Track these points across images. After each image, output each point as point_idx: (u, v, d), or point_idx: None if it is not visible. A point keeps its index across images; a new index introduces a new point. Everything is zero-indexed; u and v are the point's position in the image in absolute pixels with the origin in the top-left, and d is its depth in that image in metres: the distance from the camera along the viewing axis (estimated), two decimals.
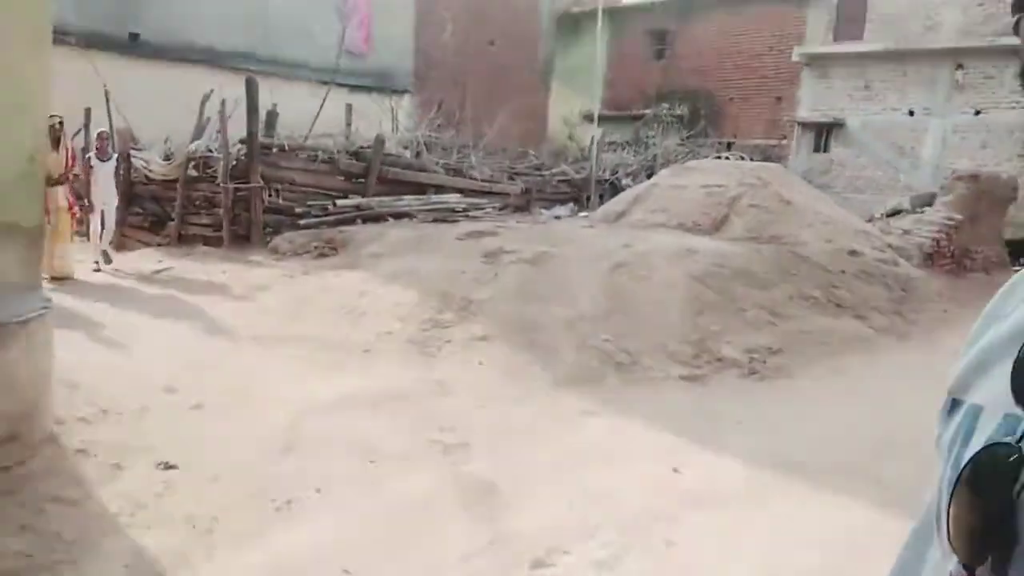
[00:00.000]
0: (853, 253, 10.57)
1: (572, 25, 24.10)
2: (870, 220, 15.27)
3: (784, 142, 21.23)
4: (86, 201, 9.47)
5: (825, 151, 20.62)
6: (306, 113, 12.27)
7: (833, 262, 9.94)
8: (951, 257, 12.21)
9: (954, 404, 0.60)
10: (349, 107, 12.82)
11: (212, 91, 10.91)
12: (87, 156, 9.75)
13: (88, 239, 9.93)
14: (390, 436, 4.72)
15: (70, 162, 8.87)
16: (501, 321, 6.70)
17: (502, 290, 7.22)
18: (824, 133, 20.56)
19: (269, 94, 11.71)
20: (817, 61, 20.28)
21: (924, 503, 0.64)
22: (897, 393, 6.51)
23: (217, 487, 3.90)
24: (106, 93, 12.96)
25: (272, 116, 10.72)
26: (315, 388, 5.41)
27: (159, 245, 10.90)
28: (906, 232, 13.79)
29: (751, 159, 16.50)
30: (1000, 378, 0.54)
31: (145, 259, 10.17)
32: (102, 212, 9.59)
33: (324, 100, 11.47)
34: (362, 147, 11.03)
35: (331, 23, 16.91)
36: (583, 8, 23.57)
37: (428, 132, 12.86)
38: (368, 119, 13.22)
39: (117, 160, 10.18)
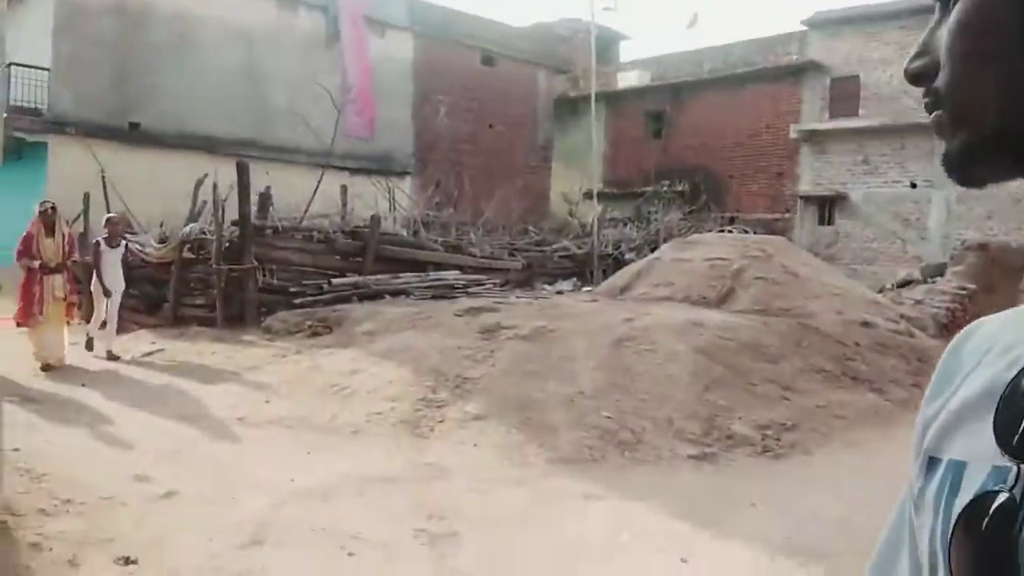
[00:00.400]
0: (866, 324, 10.25)
1: (570, 107, 24.45)
2: (880, 291, 14.99)
3: (788, 216, 21.18)
4: (95, 283, 9.36)
5: (830, 223, 20.53)
6: (305, 196, 12.23)
7: (846, 334, 9.60)
8: None
9: (931, 461, 0.62)
10: (344, 188, 12.78)
11: (206, 175, 10.87)
12: (96, 242, 9.65)
13: (87, 322, 9.76)
14: (373, 525, 4.34)
15: (67, 248, 8.72)
16: (497, 399, 6.36)
17: (498, 367, 6.90)
18: (827, 206, 20.52)
19: (266, 177, 11.70)
20: (815, 137, 20.40)
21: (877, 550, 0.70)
22: None
23: None
24: (103, 180, 12.97)
25: (265, 198, 10.64)
26: (298, 473, 5.05)
27: (154, 327, 10.66)
28: (918, 302, 13.48)
29: (754, 232, 16.36)
30: (979, 434, 0.56)
31: (139, 341, 9.91)
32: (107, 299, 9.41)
33: (319, 182, 11.41)
34: (358, 227, 10.90)
35: (330, 109, 17.13)
36: (580, 92, 23.93)
37: (426, 211, 12.76)
38: (365, 200, 13.18)
39: (127, 247, 10.04)
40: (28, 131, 15.27)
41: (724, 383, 7.36)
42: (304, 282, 9.95)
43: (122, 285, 9.64)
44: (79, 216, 13.55)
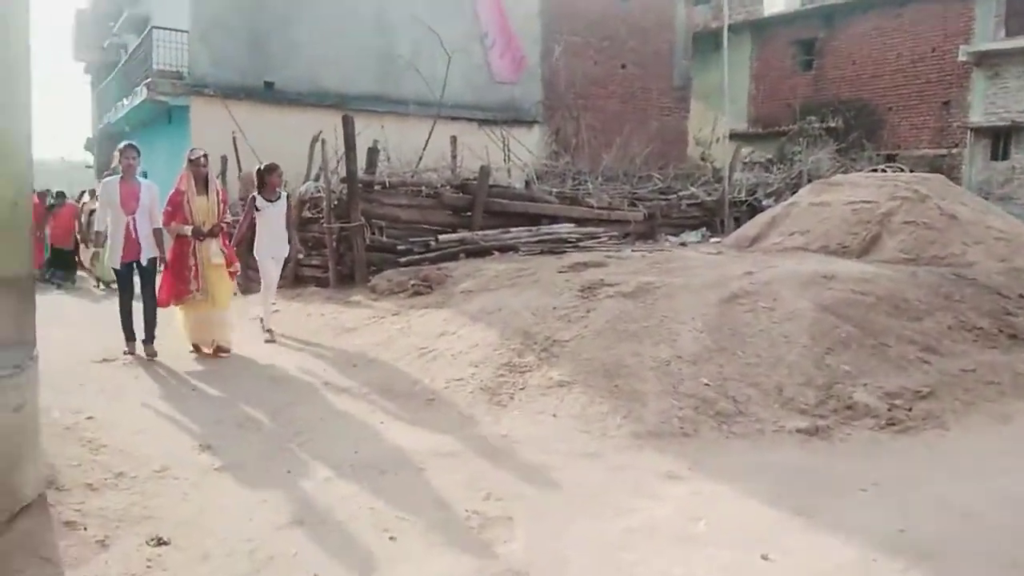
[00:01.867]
0: None
1: (711, 41, 22.95)
2: None
3: (956, 151, 19.08)
4: (257, 247, 8.19)
5: (1005, 158, 18.32)
6: (435, 150, 12.07)
7: (1009, 284, 8.41)
8: None
9: None
10: (454, 139, 12.48)
11: (320, 132, 10.87)
12: (251, 197, 8.29)
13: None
14: (425, 505, 4.08)
15: (221, 207, 7.43)
16: (584, 364, 5.93)
17: (591, 328, 6.45)
18: (1002, 138, 18.29)
19: (381, 132, 11.60)
20: (988, 60, 18.12)
21: None
22: None
23: (205, 569, 3.41)
24: (234, 140, 13.36)
25: (373, 153, 10.52)
26: (363, 445, 4.87)
27: (279, 287, 10.92)
28: None
29: (912, 171, 14.78)
30: None
31: (258, 302, 10.16)
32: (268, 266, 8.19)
33: (430, 133, 11.18)
34: (467, 180, 10.62)
35: (464, 57, 16.85)
36: (723, 23, 22.39)
37: (543, 161, 12.28)
38: (490, 151, 12.88)
39: (288, 200, 8.43)
40: (171, 94, 15.99)
41: (851, 344, 6.57)
42: (412, 239, 9.82)
43: (286, 249, 8.26)
44: (217, 177, 14.10)
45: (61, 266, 14.47)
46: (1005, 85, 18.00)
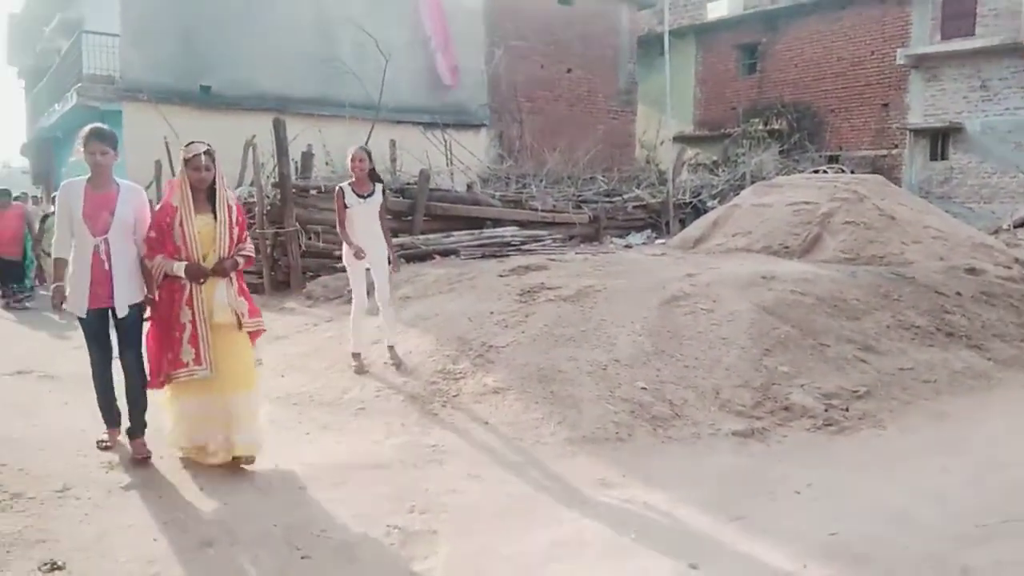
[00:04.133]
0: (971, 271, 9.09)
1: (657, 45, 23.05)
2: (995, 232, 13.48)
3: (895, 151, 19.42)
4: (345, 253, 6.49)
5: (943, 159, 18.69)
6: (376, 155, 11.75)
7: (946, 283, 8.49)
8: None
9: None
10: (393, 143, 12.27)
11: (254, 136, 10.57)
12: (338, 189, 6.52)
13: None
14: (344, 521, 3.88)
15: (237, 230, 4.60)
16: (520, 370, 5.77)
17: (528, 333, 6.30)
18: (941, 139, 18.66)
19: (319, 135, 11.35)
20: (925, 62, 18.49)
21: None
22: (1014, 445, 5.17)
23: None
24: (167, 145, 12.96)
25: (308, 157, 10.26)
26: (282, 458, 4.64)
27: None
28: None
29: (852, 172, 14.97)
30: None
31: None
32: (368, 277, 6.51)
33: (368, 137, 10.95)
34: (407, 184, 10.41)
35: (404, 62, 16.63)
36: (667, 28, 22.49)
37: (487, 164, 12.13)
38: (432, 155, 12.67)
39: (385, 195, 6.85)
40: (102, 99, 15.47)
41: (789, 345, 6.52)
42: None
43: (383, 252, 6.50)
44: (150, 185, 13.65)
45: (9, 280, 11.96)
46: (942, 87, 18.36)
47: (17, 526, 3.65)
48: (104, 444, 4.78)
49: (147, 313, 4.66)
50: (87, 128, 4.68)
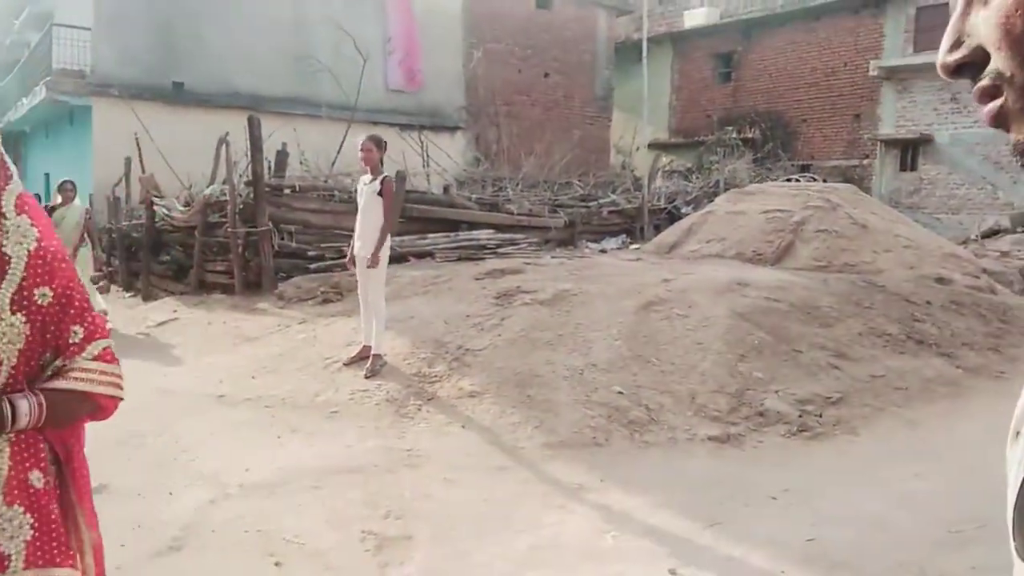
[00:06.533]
0: (940, 280, 9.21)
1: (633, 52, 23.16)
2: (964, 243, 13.69)
3: (866, 162, 19.66)
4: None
5: (913, 169, 18.96)
6: (352, 155, 11.62)
7: (916, 291, 8.61)
8: None
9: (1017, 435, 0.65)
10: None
11: (227, 133, 10.42)
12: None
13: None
14: (317, 526, 3.81)
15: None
16: (497, 373, 5.73)
17: (505, 336, 6.25)
18: (910, 150, 18.93)
19: (293, 134, 11.22)
20: (897, 74, 18.74)
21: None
22: (985, 451, 5.21)
23: None
24: (137, 141, 12.74)
25: (282, 156, 10.13)
26: (253, 462, 4.55)
27: (181, 294, 10.40)
28: (1004, 254, 12.21)
29: (825, 181, 15.12)
30: None
31: (160, 310, 9.65)
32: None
33: (344, 138, 10.85)
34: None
35: (379, 62, 16.52)
36: (645, 35, 22.61)
37: (463, 167, 12.07)
38: (407, 157, 12.55)
39: (384, 183, 6.40)
40: (72, 94, 15.19)
41: (764, 351, 6.55)
42: (323, 245, 9.46)
43: (366, 250, 6.28)
44: (119, 181, 13.41)
45: None
46: (913, 99, 18.62)
47: None
48: None
49: None
50: None
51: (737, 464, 4.91)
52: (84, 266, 8.79)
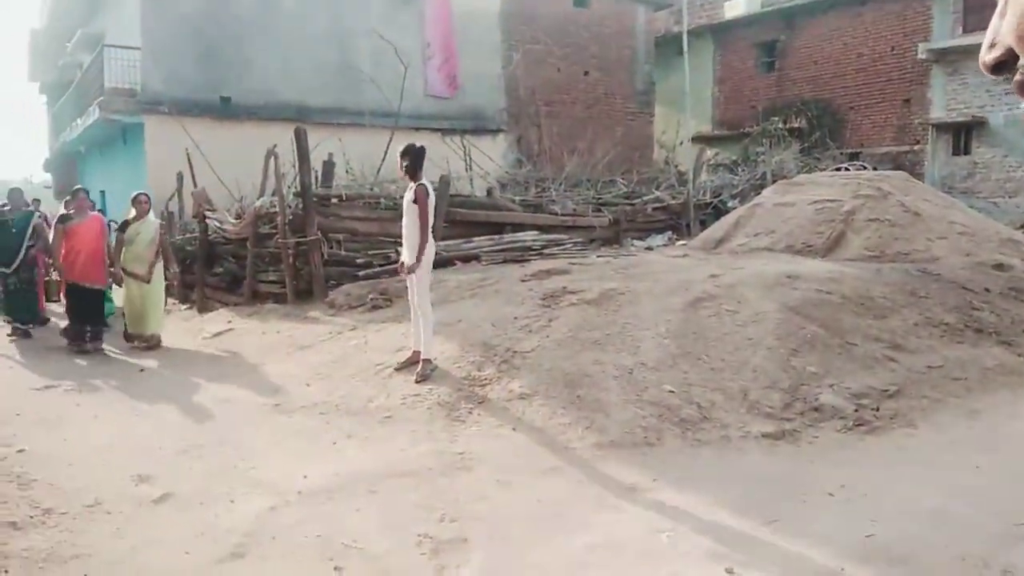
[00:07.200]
0: (999, 267, 8.96)
1: (674, 45, 22.92)
2: (1021, 227, 13.29)
3: (917, 147, 19.18)
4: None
5: (966, 153, 18.44)
6: (396, 162, 11.72)
7: (973, 279, 8.39)
8: None
9: None
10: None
11: (275, 146, 10.62)
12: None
13: None
14: (375, 530, 3.87)
15: None
16: (546, 374, 5.75)
17: (553, 337, 6.27)
18: (963, 134, 18.41)
19: (339, 144, 11.38)
20: (947, 56, 18.24)
21: None
22: None
23: None
24: (188, 156, 13.05)
25: (329, 166, 10.29)
26: (313, 467, 4.65)
27: (235, 305, 10.63)
28: None
29: (874, 169, 14.82)
30: None
31: (215, 321, 9.89)
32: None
33: (388, 144, 10.96)
34: None
35: (415, 69, 16.64)
36: (684, 27, 22.36)
37: (505, 169, 12.12)
38: (453, 162, 12.64)
39: (426, 192, 6.54)
40: (124, 113, 15.61)
41: (817, 345, 6.46)
42: (371, 252, 9.59)
43: (411, 258, 6.36)
44: (173, 196, 13.77)
45: (85, 317, 8.71)
46: (964, 81, 18.13)
47: (50, 542, 3.67)
48: None
49: None
50: None
51: (792, 461, 4.86)
52: (159, 285, 8.69)
